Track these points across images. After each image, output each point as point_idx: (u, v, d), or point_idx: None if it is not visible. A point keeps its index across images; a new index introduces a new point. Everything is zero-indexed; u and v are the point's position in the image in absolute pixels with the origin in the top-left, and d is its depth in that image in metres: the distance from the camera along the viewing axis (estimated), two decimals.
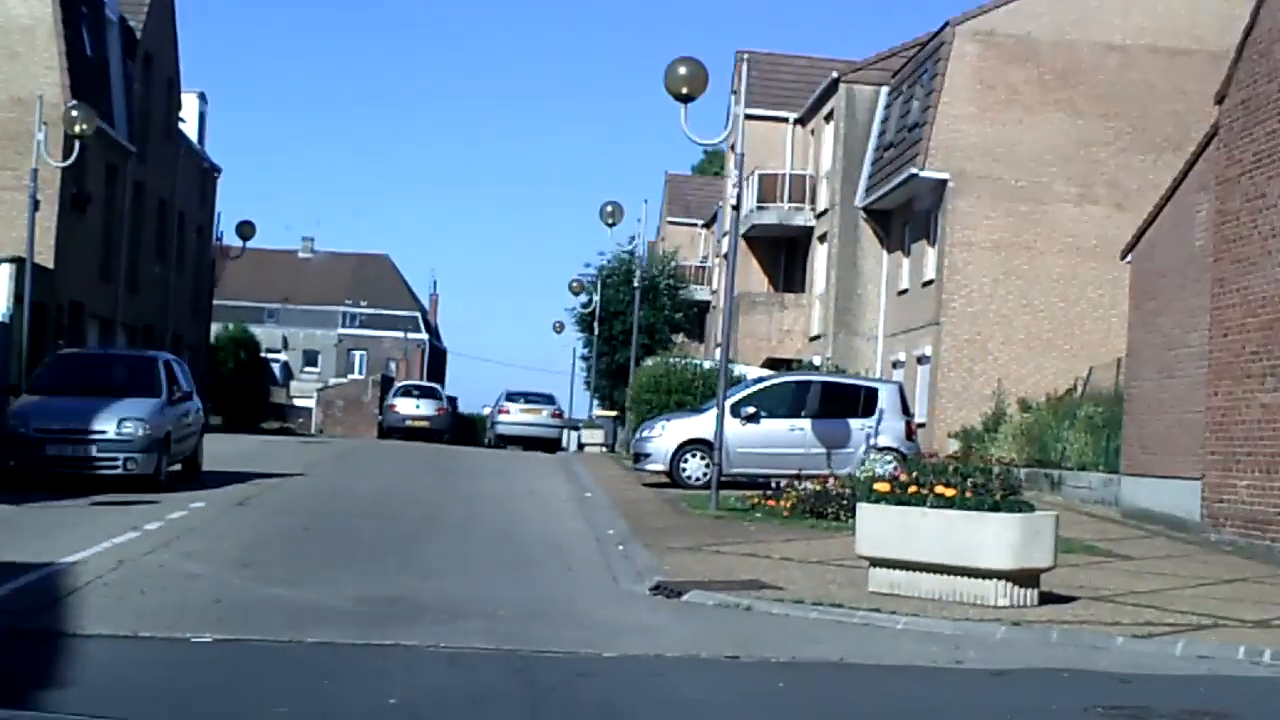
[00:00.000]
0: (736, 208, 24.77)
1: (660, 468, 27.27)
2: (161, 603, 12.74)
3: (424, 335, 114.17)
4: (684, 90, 21.37)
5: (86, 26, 40.04)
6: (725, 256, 28.23)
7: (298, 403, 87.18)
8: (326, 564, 15.92)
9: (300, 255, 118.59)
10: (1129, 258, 25.45)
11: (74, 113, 30.78)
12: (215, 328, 77.56)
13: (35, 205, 31.22)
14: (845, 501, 20.87)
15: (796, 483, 22.83)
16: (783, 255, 51.38)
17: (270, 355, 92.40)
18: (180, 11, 51.68)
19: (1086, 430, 28.37)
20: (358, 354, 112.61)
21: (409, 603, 13.54)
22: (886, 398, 27.24)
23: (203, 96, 55.72)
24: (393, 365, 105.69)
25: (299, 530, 18.75)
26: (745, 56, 23.66)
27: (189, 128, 53.18)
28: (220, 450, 33.37)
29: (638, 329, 45.45)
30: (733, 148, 27.47)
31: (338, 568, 15.64)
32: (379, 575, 15.27)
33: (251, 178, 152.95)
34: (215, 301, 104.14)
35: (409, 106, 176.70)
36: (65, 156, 33.33)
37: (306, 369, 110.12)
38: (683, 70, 21.34)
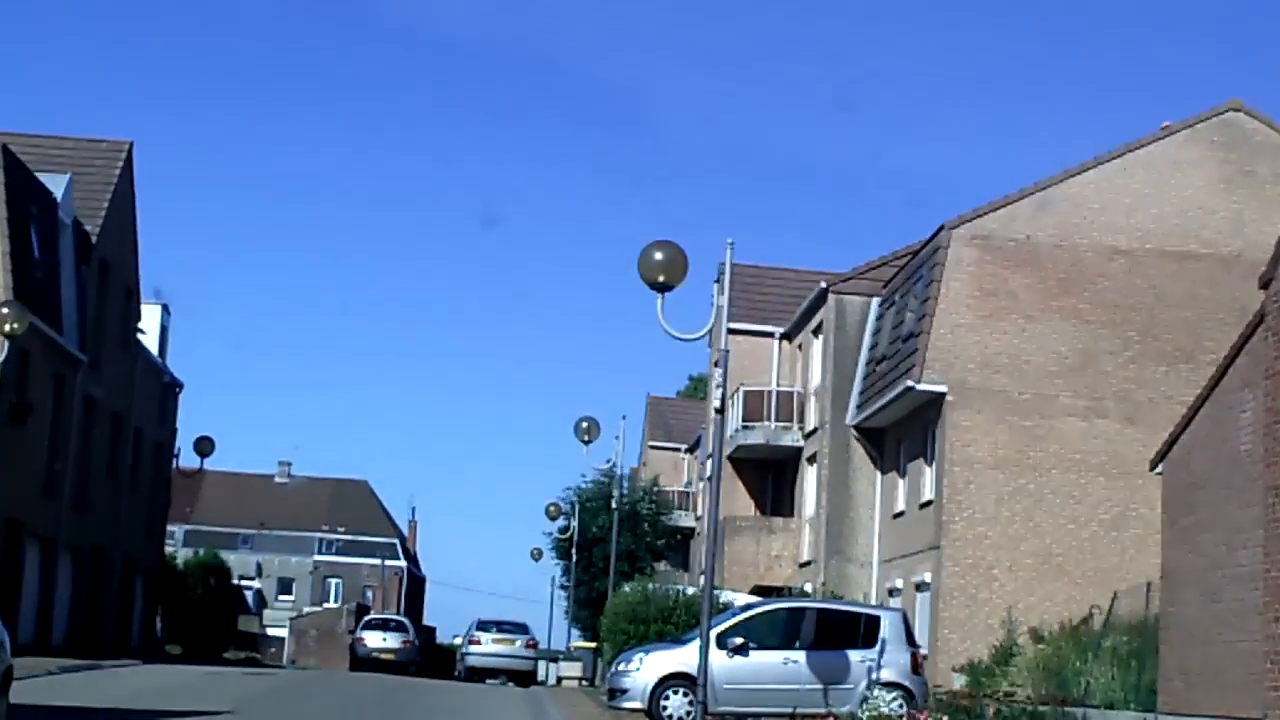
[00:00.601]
0: (720, 410, 22.20)
1: (638, 705, 24.33)
2: None
3: (402, 562, 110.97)
4: (660, 278, 18.99)
5: (35, 227, 37.96)
6: (709, 479, 25.51)
7: (270, 632, 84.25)
8: None
9: (277, 480, 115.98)
10: (1159, 468, 22.91)
11: (3, 310, 28.48)
12: (185, 553, 74.72)
13: None
14: None
15: None
16: (770, 477, 48.83)
17: (244, 582, 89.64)
18: (145, 220, 49.84)
19: (1113, 663, 25.61)
20: (334, 581, 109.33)
21: None
22: (889, 627, 24.43)
23: (165, 308, 53.58)
24: (369, 593, 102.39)
25: None
26: (730, 242, 21.15)
27: (150, 340, 50.93)
28: (152, 684, 30.51)
29: (616, 555, 42.80)
30: (713, 344, 25.05)
31: None
32: None
33: (224, 398, 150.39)
34: (188, 526, 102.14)
35: (389, 326, 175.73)
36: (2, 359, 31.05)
37: (281, 597, 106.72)
38: (659, 255, 18.98)
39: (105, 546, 45.96)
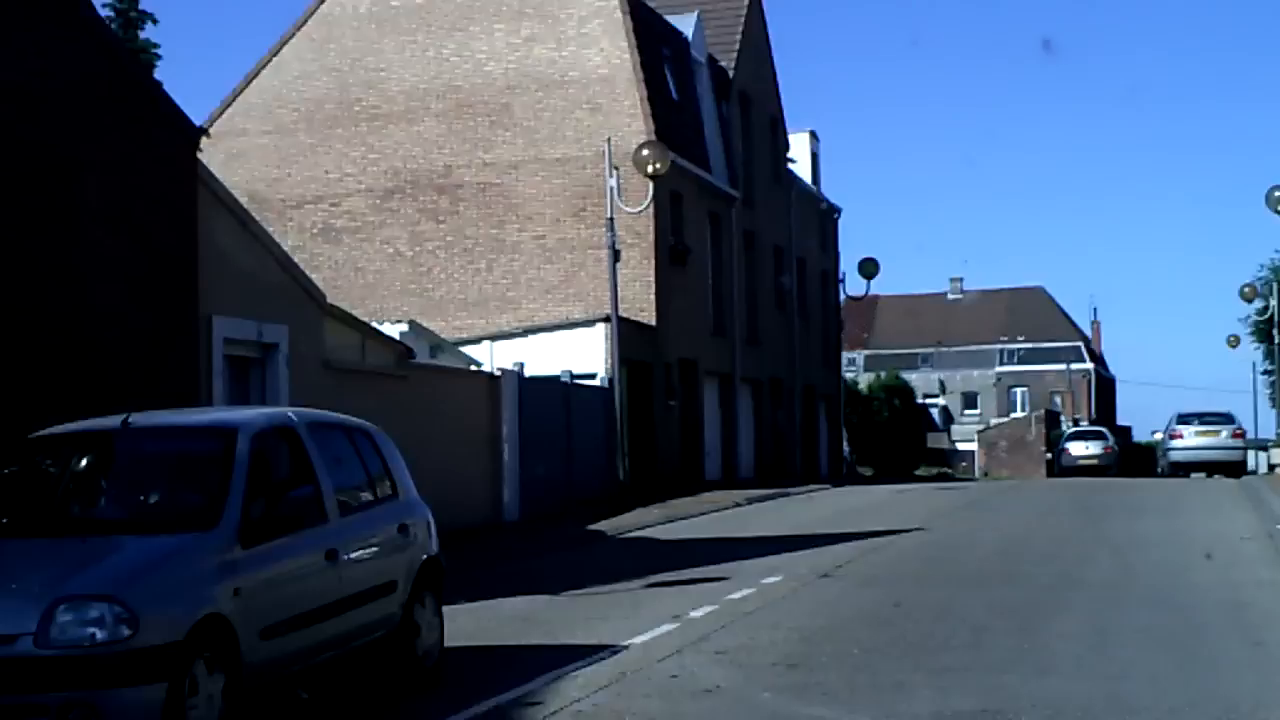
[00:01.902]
0: None
1: None
2: None
3: (1088, 365, 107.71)
4: None
5: (670, 70, 37.75)
6: None
7: (960, 446, 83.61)
8: (904, 659, 11.68)
9: (950, 297, 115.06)
10: None
11: (644, 151, 28.14)
12: (867, 378, 74.96)
13: (616, 256, 28.79)
14: None
15: None
16: None
17: (927, 401, 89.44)
18: (781, 49, 48.99)
19: None
20: (1018, 391, 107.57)
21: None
22: None
23: (814, 134, 52.83)
24: (1056, 399, 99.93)
25: (886, 609, 14.55)
26: None
27: (801, 168, 50.34)
28: (841, 506, 29.96)
29: None
30: None
31: (917, 665, 11.40)
32: (972, 674, 10.96)
33: (882, 220, 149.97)
34: (866, 352, 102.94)
35: (1041, 130, 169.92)
36: (651, 205, 30.94)
37: (966, 411, 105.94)
38: None
39: (782, 378, 46.03)
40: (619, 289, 32.62)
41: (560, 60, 35.79)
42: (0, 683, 7.68)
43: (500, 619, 14.59)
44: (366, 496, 10.89)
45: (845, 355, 78.49)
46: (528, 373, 28.54)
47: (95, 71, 16.15)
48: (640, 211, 30.27)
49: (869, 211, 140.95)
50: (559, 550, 21.88)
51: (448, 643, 11.86)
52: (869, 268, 47.30)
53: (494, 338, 32.36)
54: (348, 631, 9.99)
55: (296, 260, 33.15)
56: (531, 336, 32.37)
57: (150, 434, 10.09)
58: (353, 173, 36.67)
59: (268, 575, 9.06)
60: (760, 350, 43.62)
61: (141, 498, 9.70)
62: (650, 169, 28.24)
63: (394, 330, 26.73)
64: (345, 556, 9.97)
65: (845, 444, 57.02)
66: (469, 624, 13.98)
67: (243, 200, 36.23)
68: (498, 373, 26.87)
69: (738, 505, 30.16)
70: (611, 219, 28.87)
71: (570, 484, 29.15)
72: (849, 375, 69.68)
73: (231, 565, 8.73)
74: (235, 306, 19.44)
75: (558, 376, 29.67)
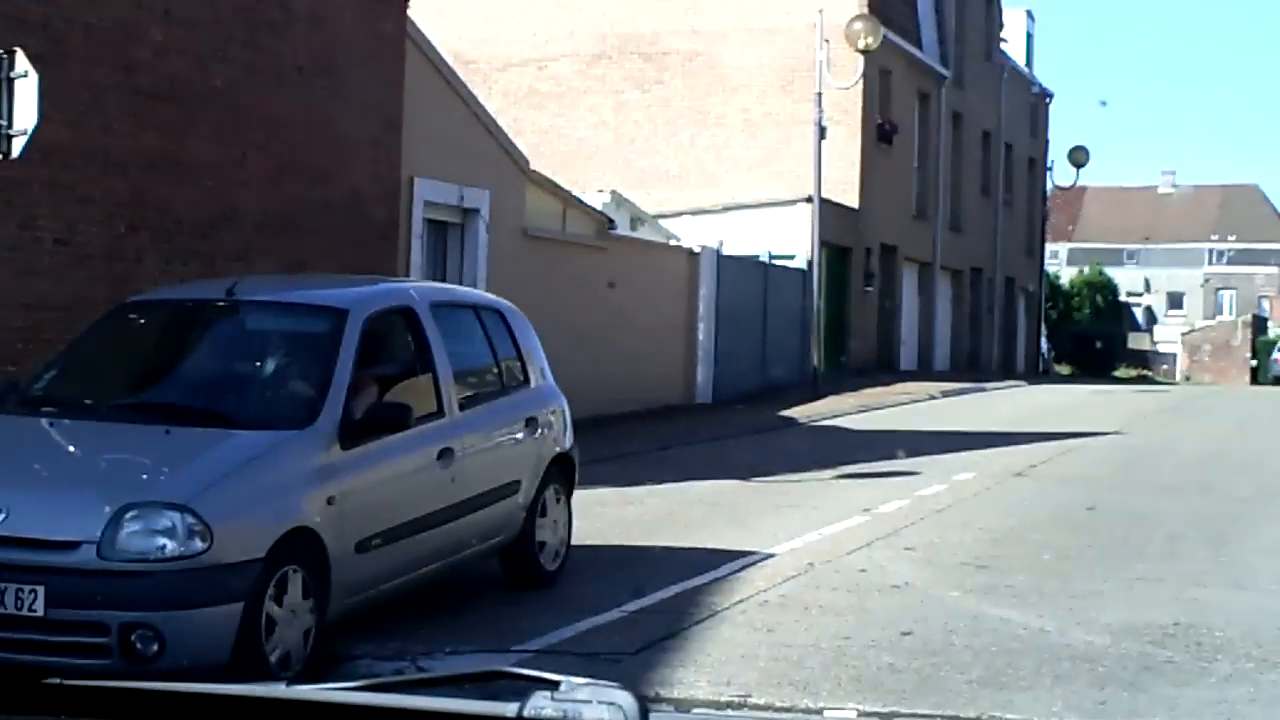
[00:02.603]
0: None
1: None
2: (825, 636, 8.77)
3: None
4: None
5: None
6: None
7: (1161, 348, 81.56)
8: (1095, 566, 11.38)
9: (1160, 191, 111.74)
10: None
11: (855, 25, 27.47)
12: (1070, 272, 73.25)
13: (821, 133, 28.24)
14: None
15: None
16: None
17: (1131, 299, 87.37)
18: None
19: None
20: (1226, 294, 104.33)
21: (1197, 635, 8.83)
22: None
23: (1029, 14, 51.26)
24: (1264, 304, 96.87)
25: (1079, 513, 14.19)
26: None
27: (1014, 49, 48.92)
28: (1035, 404, 29.40)
29: None
30: None
31: (1109, 572, 11.08)
32: (1165, 584, 10.62)
33: (1091, 108, 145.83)
34: (1070, 244, 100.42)
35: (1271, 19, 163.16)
36: (861, 81, 30.30)
37: (1170, 312, 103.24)
38: None
39: (983, 268, 45.13)
40: (823, 168, 32.16)
41: None
42: (60, 595, 6.73)
43: (689, 502, 14.50)
44: (493, 385, 9.89)
45: (1048, 248, 76.84)
46: (726, 251, 28.31)
47: None
48: (849, 87, 29.60)
49: (1081, 98, 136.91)
50: (749, 435, 21.73)
51: (633, 524, 11.82)
52: (1079, 156, 45.88)
53: (694, 213, 32.10)
54: (460, 540, 8.99)
55: (501, 124, 33.09)
56: (731, 213, 32.00)
57: (254, 308, 9.03)
58: (560, 35, 36.44)
59: (369, 480, 8.03)
60: (962, 238, 42.75)
61: (234, 383, 8.67)
62: (862, 43, 27.55)
63: (596, 200, 26.62)
64: (461, 455, 8.86)
65: (1044, 340, 55.95)
66: (658, 507, 13.94)
67: (449, 61, 36.29)
68: (697, 249, 26.63)
69: (931, 398, 29.68)
70: (820, 94, 28.30)
71: (764, 368, 28.91)
72: (1051, 269, 68.19)
73: (328, 469, 7.73)
74: (438, 169, 19.44)
75: (756, 257, 29.35)
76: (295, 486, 7.56)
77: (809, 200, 30.78)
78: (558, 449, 10.35)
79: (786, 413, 24.66)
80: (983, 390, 33.01)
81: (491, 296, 11.35)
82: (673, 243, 27.06)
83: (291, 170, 15.89)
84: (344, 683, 2.72)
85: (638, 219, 28.38)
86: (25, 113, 10.81)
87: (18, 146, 10.86)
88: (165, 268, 13.86)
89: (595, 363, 22.97)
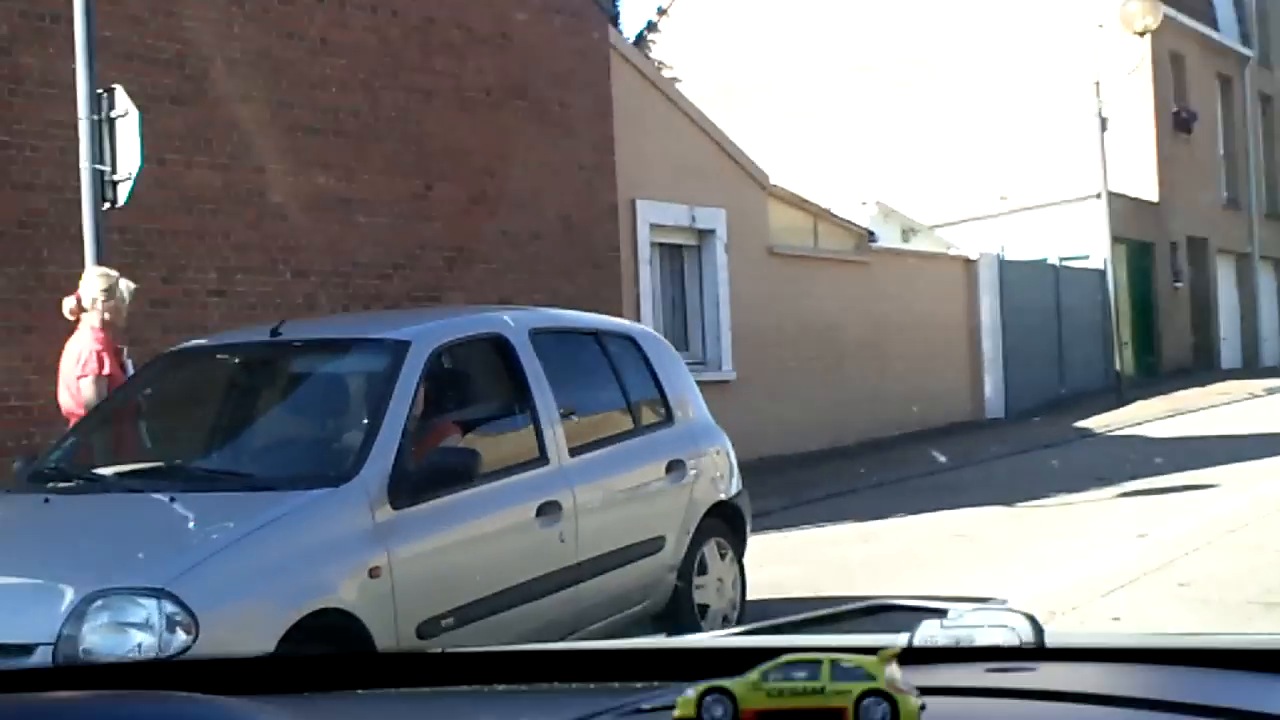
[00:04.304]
0: None
1: None
2: None
3: None
4: None
5: None
6: None
7: None
8: None
9: None
10: None
11: (1131, 6, 25.11)
12: None
13: (1103, 124, 25.90)
14: None
15: None
16: None
17: None
18: None
19: None
20: None
21: None
22: None
23: None
24: None
25: None
26: None
27: None
28: None
29: None
30: None
31: None
32: None
33: None
34: None
35: None
36: (1150, 67, 27.86)
37: None
38: None
39: None
40: (1115, 163, 29.75)
41: None
42: None
43: (935, 535, 12.65)
44: (621, 425, 8.19)
45: None
46: (1011, 256, 26.21)
47: None
48: (1131, 74, 27.15)
49: None
50: (1037, 450, 19.66)
51: (858, 567, 10.14)
52: None
53: (973, 220, 29.97)
54: (582, 611, 7.29)
55: (768, 142, 31.66)
56: (1015, 215, 29.80)
57: (299, 349, 7.64)
58: (821, 50, 34.79)
59: (432, 545, 6.48)
60: None
61: (261, 437, 7.34)
62: (1140, 25, 25.15)
63: (862, 213, 24.92)
64: (574, 510, 7.27)
65: None
66: (896, 543, 12.22)
67: (711, 85, 35.13)
68: (974, 256, 24.60)
69: (1253, 396, 26.93)
70: (1097, 83, 25.95)
71: (1062, 377, 26.69)
72: None
73: (372, 534, 6.20)
74: (665, 190, 18.06)
75: (1044, 260, 27.15)
76: (323, 557, 6.04)
77: (1099, 196, 28.37)
78: (719, 496, 8.57)
79: (1084, 423, 22.45)
80: None
81: (623, 322, 9.74)
82: (950, 252, 25.04)
83: (485, 201, 14.72)
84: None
85: (910, 229, 26.50)
86: (129, 156, 9.76)
87: (124, 193, 9.79)
88: (343, 314, 12.77)
89: (866, 382, 21.31)
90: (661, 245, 18.46)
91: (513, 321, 7.70)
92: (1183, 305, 32.90)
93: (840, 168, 34.01)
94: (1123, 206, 29.54)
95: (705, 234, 18.93)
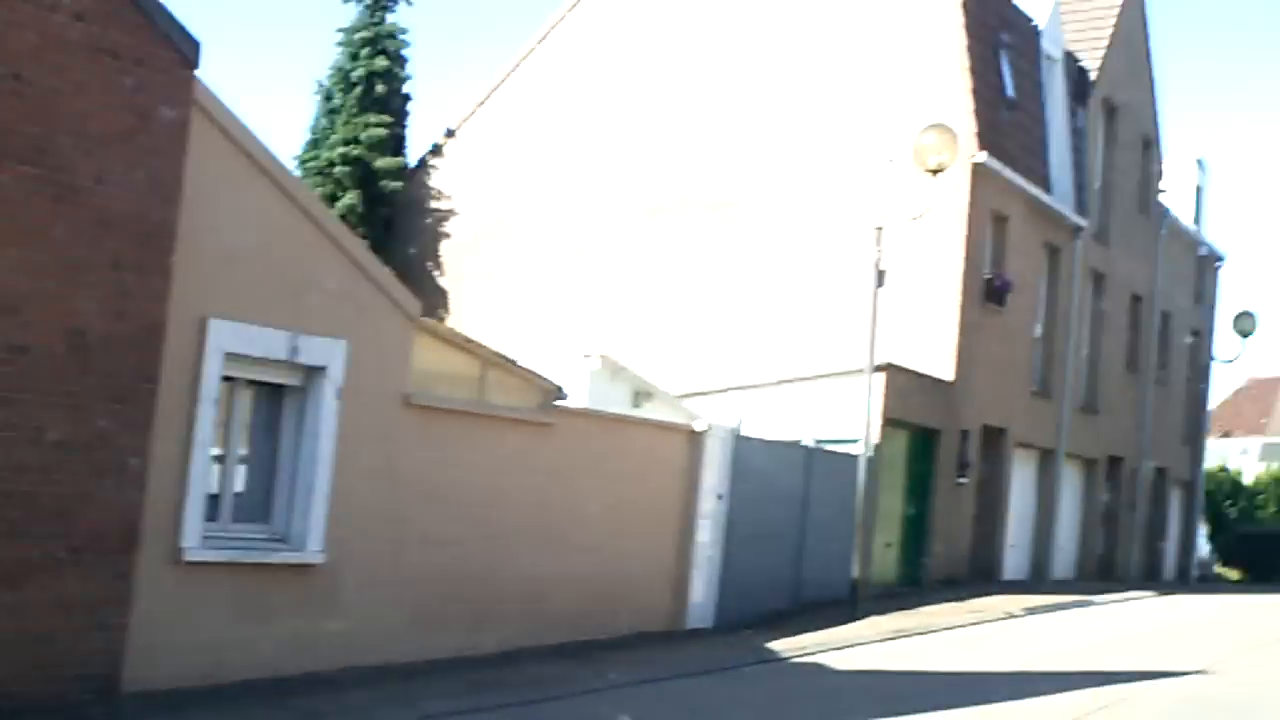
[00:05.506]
0: None
1: None
2: None
3: None
4: None
5: (1007, 59, 30.37)
6: None
7: None
8: None
9: None
10: None
11: (926, 139, 21.16)
12: (1258, 468, 64.62)
13: (880, 279, 21.77)
14: None
15: None
16: None
17: None
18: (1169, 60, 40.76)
19: None
20: None
21: None
22: None
23: (1200, 164, 44.19)
24: None
25: None
26: None
27: (1179, 203, 41.96)
28: (1133, 623, 23.49)
29: None
30: None
31: None
32: None
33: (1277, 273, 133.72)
34: (1266, 439, 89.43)
35: None
36: (966, 228, 23.87)
37: None
38: None
39: (1124, 457, 37.79)
40: (908, 332, 25.89)
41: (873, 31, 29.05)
42: None
43: None
44: None
45: (1237, 441, 68.54)
46: (774, 434, 22.13)
47: None
48: (915, 220, 23.02)
49: (1264, 263, 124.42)
50: (685, 678, 15.42)
51: None
52: (1245, 324, 38.27)
53: (738, 388, 25.79)
54: None
55: (520, 281, 27.51)
56: (785, 387, 25.66)
57: None
58: (606, 186, 30.94)
59: None
60: (1098, 421, 35.61)
61: None
62: (933, 162, 21.07)
63: (584, 368, 20.65)
64: None
65: (1204, 540, 48.25)
66: None
67: (485, 215, 31.03)
68: (700, 428, 20.26)
69: (1009, 617, 23.09)
70: (879, 229, 21.83)
71: (798, 580, 22.46)
72: (1236, 465, 60.24)
73: None
74: (257, 308, 13.50)
75: (796, 440, 22.94)
76: None
77: (882, 369, 24.30)
78: None
79: (779, 643, 18.24)
80: (1088, 605, 26.37)
81: None
82: (668, 420, 20.61)
83: None
84: None
85: (644, 393, 22.12)
86: None
87: None
88: None
89: (527, 573, 16.92)
90: (245, 382, 13.88)
91: None
92: (965, 504, 28.84)
93: (576, 316, 29.93)
94: (906, 383, 25.54)
95: (312, 371, 14.33)
